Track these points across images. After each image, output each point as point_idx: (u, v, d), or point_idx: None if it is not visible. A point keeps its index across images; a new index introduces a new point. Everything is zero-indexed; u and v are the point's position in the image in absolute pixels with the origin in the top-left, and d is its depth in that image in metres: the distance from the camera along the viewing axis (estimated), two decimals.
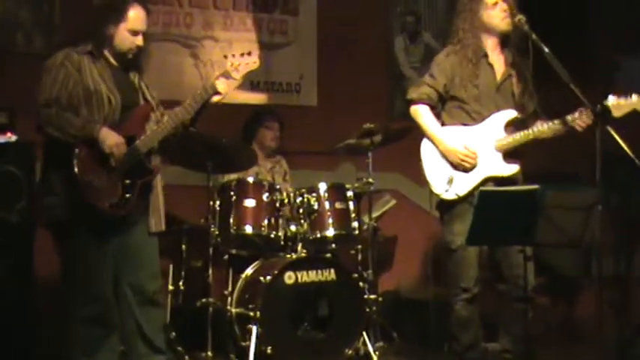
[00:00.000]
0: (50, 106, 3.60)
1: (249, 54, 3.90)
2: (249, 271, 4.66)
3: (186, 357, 4.53)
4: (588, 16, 6.56)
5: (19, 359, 4.32)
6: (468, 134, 4.05)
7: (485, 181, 3.99)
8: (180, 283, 4.96)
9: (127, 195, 3.65)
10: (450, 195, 3.99)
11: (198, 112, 3.87)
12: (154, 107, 3.89)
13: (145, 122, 3.81)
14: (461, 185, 4.00)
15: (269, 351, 4.32)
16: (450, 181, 4.01)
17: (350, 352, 4.48)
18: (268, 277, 4.39)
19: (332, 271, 4.51)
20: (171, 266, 5.05)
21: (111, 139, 3.61)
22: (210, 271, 4.59)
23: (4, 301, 4.33)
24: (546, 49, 3.77)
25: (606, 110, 3.71)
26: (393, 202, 5.44)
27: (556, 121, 3.92)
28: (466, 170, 4.01)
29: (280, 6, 6.12)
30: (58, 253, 3.74)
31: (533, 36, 3.82)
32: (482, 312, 4.11)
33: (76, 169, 3.56)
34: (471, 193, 3.93)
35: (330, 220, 4.68)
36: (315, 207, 4.66)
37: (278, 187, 4.81)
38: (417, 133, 4.21)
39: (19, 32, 5.45)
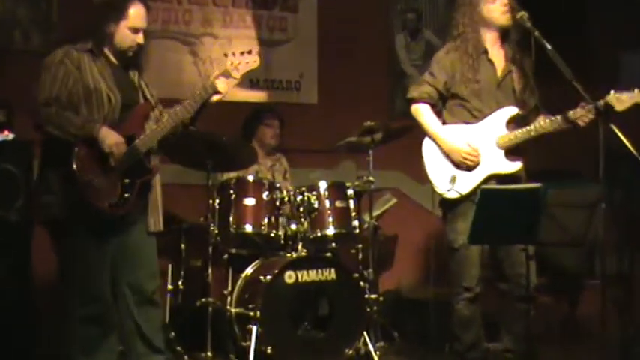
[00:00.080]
0: (50, 104, 3.58)
1: (249, 52, 3.88)
2: (248, 270, 4.65)
3: (186, 357, 4.51)
4: (587, 12, 6.53)
5: (18, 359, 4.31)
6: (469, 132, 4.03)
7: (489, 179, 3.97)
8: (180, 283, 4.95)
9: (126, 195, 3.64)
10: (453, 194, 3.98)
11: (198, 112, 3.85)
12: (153, 106, 3.87)
13: (144, 121, 3.79)
14: (464, 184, 3.98)
15: (269, 351, 4.30)
16: (453, 181, 3.99)
17: (350, 351, 4.47)
18: (268, 277, 4.38)
19: (332, 270, 4.49)
20: (170, 265, 5.04)
21: (111, 138, 3.59)
22: (210, 271, 4.58)
23: (4, 301, 4.32)
24: (549, 46, 3.74)
25: (608, 105, 3.70)
26: (394, 200, 5.43)
27: (558, 117, 3.90)
28: (469, 169, 4.00)
29: (280, 3, 6.10)
30: (56, 252, 3.72)
31: (536, 33, 3.79)
32: (484, 311, 4.10)
33: (75, 168, 3.54)
34: (474, 192, 3.90)
35: (331, 219, 4.67)
36: (316, 205, 4.65)
37: (278, 185, 4.80)
38: (417, 132, 4.20)
39: (16, 30, 5.43)
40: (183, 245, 5.02)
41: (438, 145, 4.07)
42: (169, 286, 4.97)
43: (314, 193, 4.68)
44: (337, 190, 4.75)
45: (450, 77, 4.08)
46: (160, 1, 5.73)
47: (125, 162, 3.63)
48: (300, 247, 4.64)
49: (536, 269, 3.83)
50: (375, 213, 5.01)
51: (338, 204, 4.71)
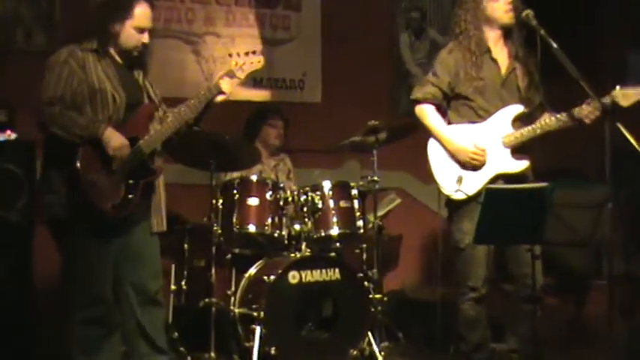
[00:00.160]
0: (54, 104, 3.56)
1: (253, 53, 3.89)
2: (252, 270, 4.63)
3: (189, 357, 4.50)
4: (594, 11, 6.50)
5: (18, 359, 4.30)
6: (475, 132, 4.01)
7: (496, 179, 3.96)
8: (183, 283, 4.95)
9: (130, 196, 3.62)
10: (460, 195, 3.96)
11: (203, 112, 3.84)
12: (157, 106, 3.85)
13: (148, 122, 3.78)
14: (471, 184, 3.96)
15: (273, 351, 4.29)
16: (460, 181, 3.97)
17: (355, 352, 4.46)
18: (272, 277, 4.36)
19: (336, 270, 4.47)
20: (173, 266, 5.03)
21: (115, 140, 3.57)
22: (213, 271, 4.57)
23: (4, 301, 4.32)
24: (555, 45, 3.72)
25: (614, 102, 3.68)
26: (399, 200, 5.42)
27: (563, 114, 3.88)
28: (475, 168, 3.97)
29: (283, 1, 6.08)
30: (60, 252, 3.71)
31: (542, 31, 3.77)
32: (489, 313, 4.08)
33: (79, 167, 3.52)
34: (481, 192, 3.88)
35: (335, 219, 4.65)
36: (320, 205, 4.63)
37: (282, 185, 4.77)
38: (422, 131, 4.18)
39: (18, 29, 5.42)
40: (186, 245, 5.00)
41: (444, 146, 4.05)
42: (172, 287, 4.96)
43: (318, 193, 4.66)
44: (341, 189, 4.73)
45: (454, 76, 4.06)
46: (162, 0, 5.71)
47: (129, 163, 3.61)
48: (304, 247, 4.63)
49: (543, 269, 3.81)
50: (380, 213, 5.00)
51: (342, 204, 4.69)
